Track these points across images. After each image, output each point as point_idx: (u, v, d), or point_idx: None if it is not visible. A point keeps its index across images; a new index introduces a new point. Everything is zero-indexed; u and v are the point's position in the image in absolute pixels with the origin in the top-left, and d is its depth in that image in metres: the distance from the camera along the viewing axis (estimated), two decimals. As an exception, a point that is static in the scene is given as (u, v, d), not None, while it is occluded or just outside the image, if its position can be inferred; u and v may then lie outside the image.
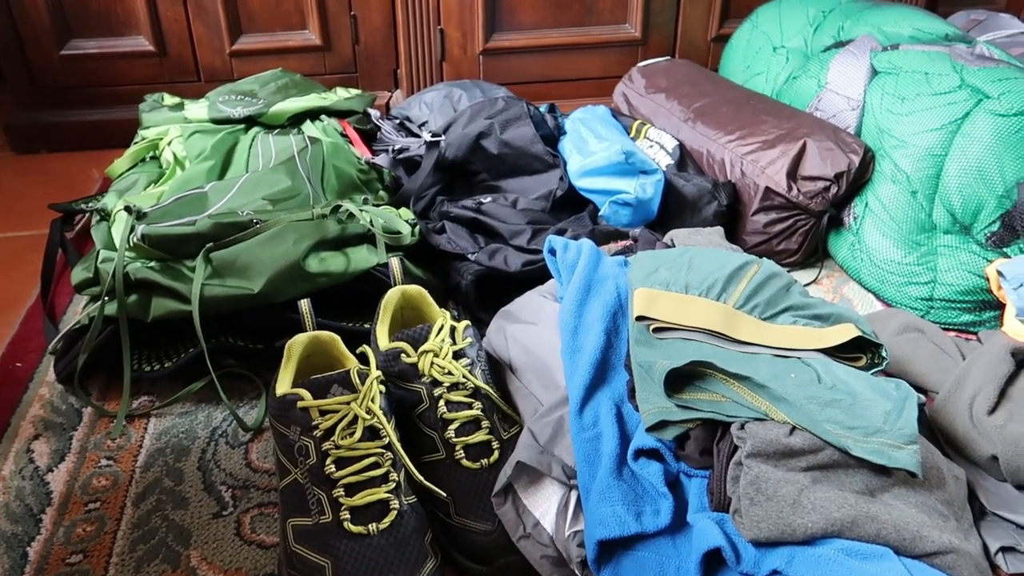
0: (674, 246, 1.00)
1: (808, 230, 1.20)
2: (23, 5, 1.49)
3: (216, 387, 0.92)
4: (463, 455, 0.78)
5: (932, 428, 0.87)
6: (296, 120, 1.38)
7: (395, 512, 0.71)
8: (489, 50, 1.66)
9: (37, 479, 0.86)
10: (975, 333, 1.09)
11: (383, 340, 0.83)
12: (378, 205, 1.14)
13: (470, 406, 0.79)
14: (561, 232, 1.10)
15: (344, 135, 1.36)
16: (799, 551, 0.62)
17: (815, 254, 1.25)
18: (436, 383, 0.79)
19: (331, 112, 1.41)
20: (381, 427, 0.73)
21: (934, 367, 0.95)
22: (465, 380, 0.80)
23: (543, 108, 1.40)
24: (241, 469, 0.88)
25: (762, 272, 0.85)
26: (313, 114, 1.39)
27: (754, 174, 1.20)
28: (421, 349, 0.80)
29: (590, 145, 1.25)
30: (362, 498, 0.71)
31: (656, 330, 0.78)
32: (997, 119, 1.04)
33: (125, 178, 1.23)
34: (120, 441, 0.91)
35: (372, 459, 0.72)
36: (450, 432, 0.78)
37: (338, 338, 0.80)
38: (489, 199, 1.20)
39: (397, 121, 1.42)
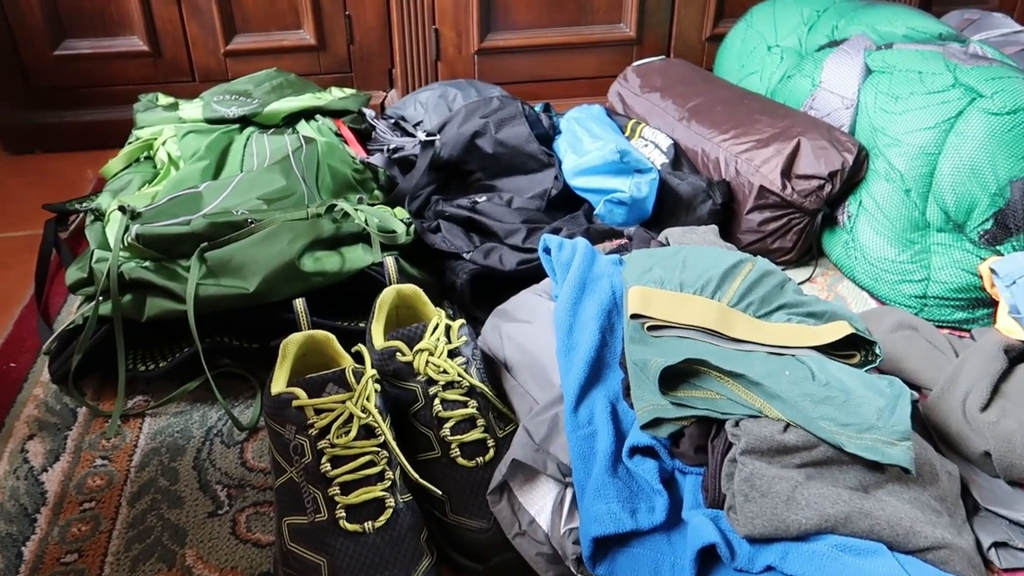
0: (669, 245, 1.00)
1: (802, 228, 1.20)
2: (17, 5, 1.48)
3: (211, 386, 0.92)
4: (458, 453, 0.78)
5: (926, 425, 0.87)
6: (291, 120, 1.38)
7: (391, 510, 0.72)
8: (484, 50, 1.66)
9: (32, 479, 0.86)
10: (968, 330, 1.10)
11: (378, 339, 0.83)
12: (373, 204, 1.14)
13: (465, 404, 0.80)
14: (556, 231, 1.11)
15: (339, 135, 1.36)
16: (793, 547, 0.62)
17: (809, 252, 1.25)
18: (431, 382, 0.79)
19: (326, 112, 1.41)
20: (376, 426, 0.73)
21: (928, 364, 0.95)
22: (460, 379, 0.80)
23: (538, 107, 1.40)
24: (236, 468, 0.88)
25: (756, 270, 0.86)
26: (308, 114, 1.40)
27: (748, 173, 1.20)
28: (416, 348, 0.80)
29: (585, 144, 1.25)
30: (358, 496, 0.71)
31: (651, 328, 0.79)
32: (990, 118, 1.04)
33: (119, 178, 1.23)
34: (115, 441, 0.91)
35: (368, 457, 0.72)
36: (445, 430, 0.78)
37: (333, 337, 0.80)
38: (484, 198, 1.20)
39: (392, 121, 1.42)
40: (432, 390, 0.79)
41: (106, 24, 1.53)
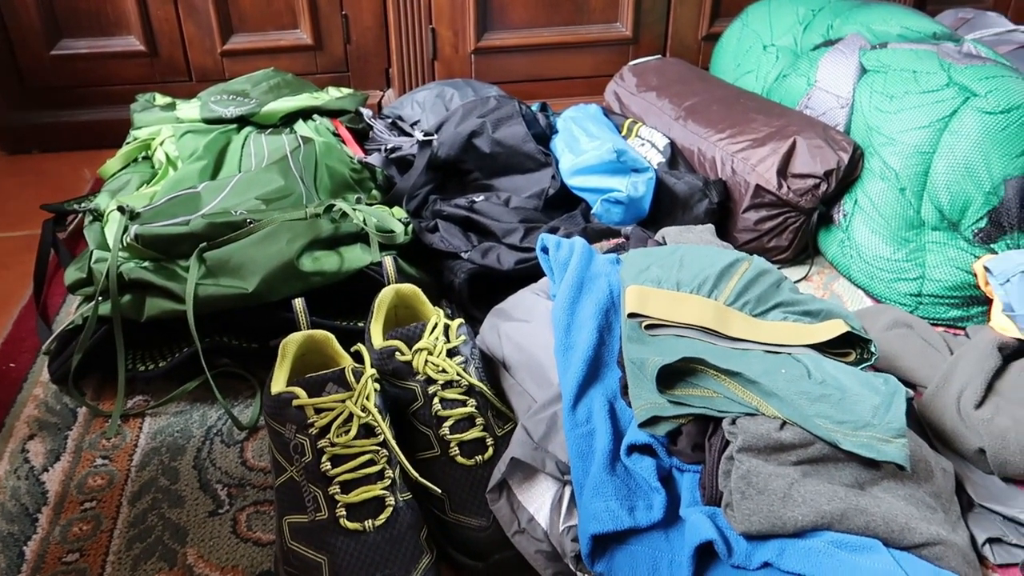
0: (665, 244, 1.01)
1: (798, 227, 1.21)
2: (12, 5, 1.48)
3: (211, 386, 0.92)
4: (458, 452, 0.78)
5: (920, 422, 0.88)
6: (288, 120, 1.38)
7: (391, 509, 0.72)
8: (481, 49, 1.66)
9: (33, 479, 0.86)
10: (963, 328, 1.10)
11: (377, 338, 0.84)
12: (371, 204, 1.15)
13: (464, 403, 0.80)
14: (553, 230, 1.11)
15: (336, 134, 1.36)
16: (790, 543, 0.63)
17: (805, 251, 1.26)
18: (430, 381, 0.80)
19: (323, 111, 1.41)
20: (376, 425, 0.74)
21: (923, 362, 0.96)
22: (459, 378, 0.80)
23: (535, 107, 1.40)
24: (236, 467, 0.88)
25: (752, 269, 0.86)
26: (305, 114, 1.40)
27: (744, 172, 1.21)
28: (415, 347, 0.81)
29: (582, 143, 1.26)
30: (358, 495, 0.71)
31: (648, 327, 0.79)
32: (984, 117, 1.05)
33: (117, 178, 1.23)
34: (115, 440, 0.91)
35: (367, 456, 0.73)
36: (445, 429, 0.79)
37: (332, 337, 0.81)
38: (482, 198, 1.20)
39: (389, 120, 1.43)
40: (431, 389, 0.80)
41: (102, 24, 1.53)
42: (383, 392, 0.79)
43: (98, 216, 1.12)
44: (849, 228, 1.20)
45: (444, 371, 0.80)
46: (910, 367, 0.96)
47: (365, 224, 1.04)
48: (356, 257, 1.01)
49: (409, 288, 0.88)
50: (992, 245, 1.08)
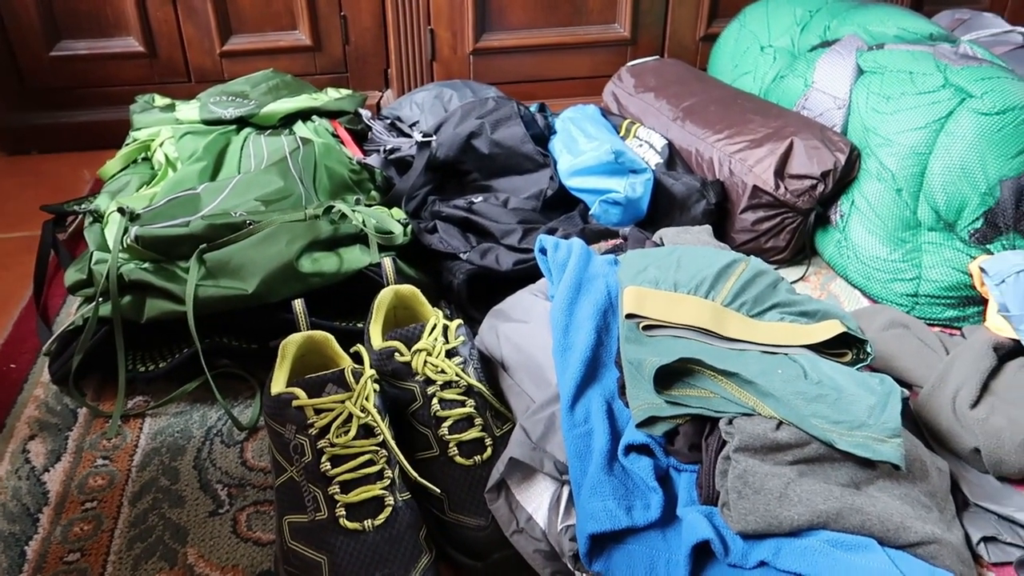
0: (663, 245, 1.01)
1: (795, 228, 1.21)
2: (12, 6, 1.48)
3: (211, 387, 0.93)
4: (457, 452, 0.79)
5: (916, 422, 0.89)
6: (287, 121, 1.38)
7: (390, 508, 0.72)
8: (479, 50, 1.67)
9: (34, 479, 0.87)
10: (959, 328, 1.11)
11: (376, 339, 0.84)
12: (370, 205, 1.15)
13: (463, 404, 0.81)
14: (552, 231, 1.11)
15: (335, 135, 1.37)
16: (786, 543, 0.63)
17: (802, 252, 1.26)
18: (429, 381, 0.80)
19: (322, 113, 1.42)
20: (375, 425, 0.74)
21: (919, 362, 0.96)
22: (458, 378, 0.81)
23: (533, 108, 1.40)
24: (236, 467, 0.88)
25: (749, 270, 0.87)
26: (304, 115, 1.40)
27: (742, 172, 1.21)
28: (414, 348, 0.81)
29: (580, 144, 1.26)
30: (357, 495, 0.72)
31: (646, 328, 0.79)
32: (980, 118, 1.05)
33: (117, 179, 1.24)
34: (116, 441, 0.92)
35: (367, 456, 0.73)
36: (443, 429, 0.79)
37: (332, 338, 0.81)
38: (480, 199, 1.21)
39: (388, 121, 1.43)
40: (430, 390, 0.80)
41: (102, 25, 1.54)
42: (382, 392, 0.80)
43: (98, 217, 1.13)
44: (846, 229, 1.20)
45: (443, 372, 0.80)
46: (906, 367, 0.97)
47: (364, 225, 1.04)
48: (355, 258, 1.01)
49: (408, 289, 0.89)
50: (988, 246, 1.08)
